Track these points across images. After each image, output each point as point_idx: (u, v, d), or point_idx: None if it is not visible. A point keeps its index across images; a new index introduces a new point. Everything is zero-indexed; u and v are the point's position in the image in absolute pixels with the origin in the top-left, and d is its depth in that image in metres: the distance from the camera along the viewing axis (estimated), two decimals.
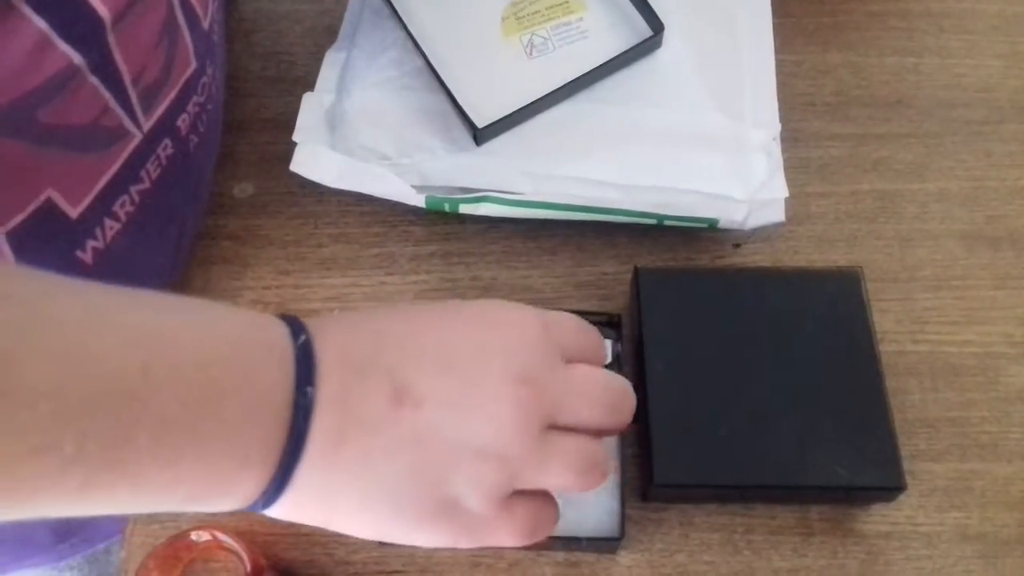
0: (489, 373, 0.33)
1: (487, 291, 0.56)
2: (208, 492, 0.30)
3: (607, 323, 0.52)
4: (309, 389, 0.30)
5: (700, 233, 0.57)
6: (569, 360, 0.36)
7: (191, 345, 0.29)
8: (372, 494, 0.32)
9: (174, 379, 0.28)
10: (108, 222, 0.44)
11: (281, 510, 0.32)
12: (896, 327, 0.54)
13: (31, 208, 0.38)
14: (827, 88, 0.63)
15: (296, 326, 0.32)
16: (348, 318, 0.36)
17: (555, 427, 0.34)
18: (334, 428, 0.31)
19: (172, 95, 0.46)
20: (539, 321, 0.36)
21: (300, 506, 0.32)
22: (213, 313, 0.32)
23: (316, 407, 0.31)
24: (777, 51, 0.60)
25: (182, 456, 0.28)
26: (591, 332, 0.39)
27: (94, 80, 0.38)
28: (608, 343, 0.49)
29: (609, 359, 0.47)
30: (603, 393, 0.36)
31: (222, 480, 0.30)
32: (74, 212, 0.41)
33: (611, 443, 0.49)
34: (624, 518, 0.46)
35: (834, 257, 0.57)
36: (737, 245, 0.57)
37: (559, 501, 0.43)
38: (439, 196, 0.55)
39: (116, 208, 0.44)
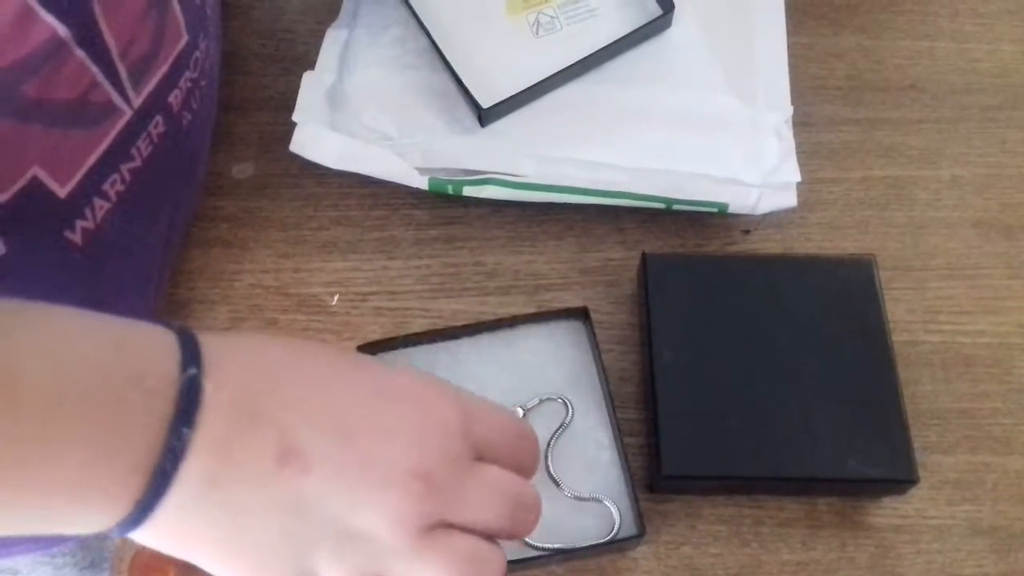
0: (386, 456, 0.30)
1: (491, 276, 0.54)
2: (56, 512, 0.28)
3: (573, 317, 0.51)
4: (185, 431, 0.28)
5: (709, 218, 0.56)
6: (490, 458, 0.33)
7: (62, 352, 0.27)
8: (233, 547, 0.30)
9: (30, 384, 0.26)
10: (98, 202, 0.42)
11: (140, 537, 0.29)
12: (908, 316, 0.53)
13: (17, 187, 0.37)
14: (839, 71, 0.61)
15: (190, 353, 0.29)
16: (254, 349, 0.32)
17: (446, 525, 0.32)
18: (207, 474, 0.29)
19: (163, 70, 0.44)
20: (460, 414, 0.32)
21: (158, 538, 0.29)
22: (97, 323, 0.29)
23: (190, 451, 0.28)
24: (788, 33, 0.59)
25: (29, 466, 0.27)
26: (524, 438, 0.35)
27: (80, 53, 0.37)
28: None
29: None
30: (504, 505, 0.33)
31: (71, 502, 0.28)
32: (62, 191, 0.40)
33: (604, 436, 0.47)
34: (640, 514, 0.45)
35: (845, 244, 0.55)
36: (747, 231, 0.55)
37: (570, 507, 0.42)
38: (442, 178, 0.53)
39: (106, 187, 0.42)
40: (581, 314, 0.50)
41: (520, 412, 0.48)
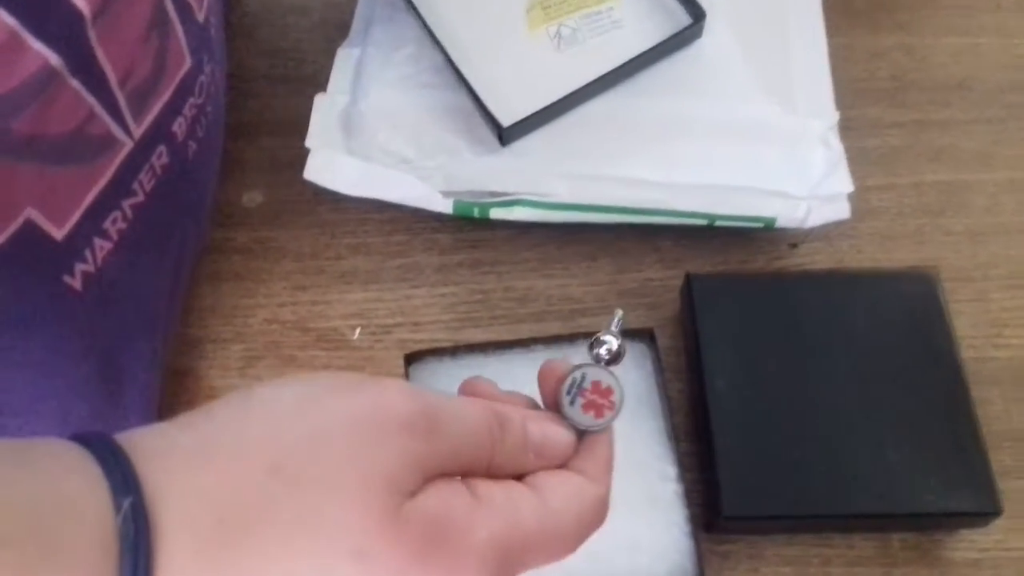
0: None
1: (522, 303, 0.51)
2: None
3: (637, 338, 0.47)
4: None
5: (751, 233, 0.52)
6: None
7: None
8: None
9: None
10: (99, 242, 0.39)
11: None
12: (973, 331, 0.49)
13: (9, 232, 0.34)
14: (882, 72, 0.58)
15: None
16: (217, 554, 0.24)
17: None
18: None
19: (165, 97, 0.41)
20: None
21: None
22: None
23: None
24: (826, 34, 0.56)
25: None
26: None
27: (75, 83, 0.34)
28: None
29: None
30: None
31: None
32: (59, 233, 0.37)
33: (670, 468, 0.44)
34: (701, 556, 0.41)
35: (900, 255, 0.52)
36: (794, 245, 0.52)
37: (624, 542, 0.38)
38: (467, 201, 0.50)
39: (107, 226, 0.40)
40: (647, 336, 0.47)
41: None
